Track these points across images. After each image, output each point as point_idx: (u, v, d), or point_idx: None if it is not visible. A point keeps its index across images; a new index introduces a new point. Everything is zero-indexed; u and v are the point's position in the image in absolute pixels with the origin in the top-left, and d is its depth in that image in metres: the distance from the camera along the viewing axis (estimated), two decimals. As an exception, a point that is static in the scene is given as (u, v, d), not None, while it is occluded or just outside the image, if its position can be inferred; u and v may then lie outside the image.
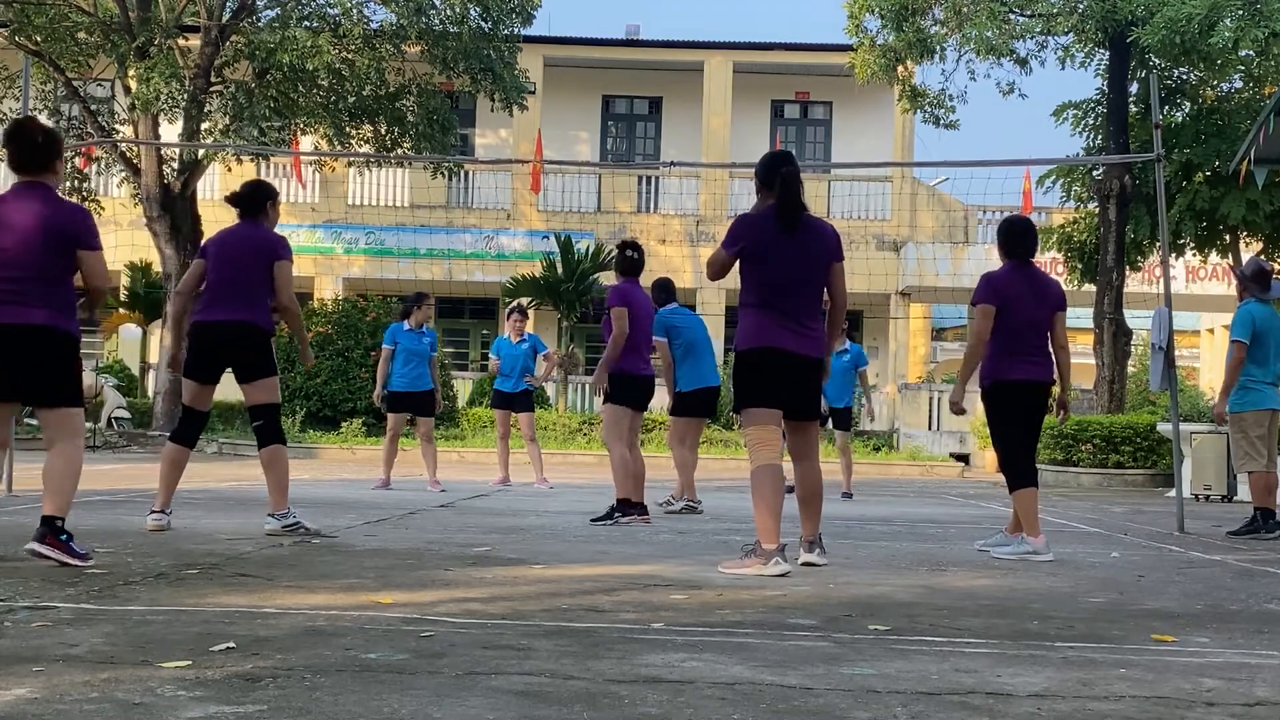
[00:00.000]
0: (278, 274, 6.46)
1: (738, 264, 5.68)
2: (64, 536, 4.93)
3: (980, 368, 6.60)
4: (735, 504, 10.07)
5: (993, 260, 25.54)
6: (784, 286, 5.53)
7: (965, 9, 17.96)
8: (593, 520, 7.98)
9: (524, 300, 23.32)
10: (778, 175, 5.61)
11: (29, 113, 11.21)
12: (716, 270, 5.71)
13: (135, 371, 24.52)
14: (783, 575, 5.20)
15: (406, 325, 11.12)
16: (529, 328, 13.46)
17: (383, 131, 21.55)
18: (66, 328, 5.04)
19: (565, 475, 14.91)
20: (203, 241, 6.81)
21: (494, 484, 11.95)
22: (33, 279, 4.96)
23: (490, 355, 12.72)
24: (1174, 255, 20.83)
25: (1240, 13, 15.75)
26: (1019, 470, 6.47)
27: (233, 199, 6.76)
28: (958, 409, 6.77)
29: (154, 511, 6.51)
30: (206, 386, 6.58)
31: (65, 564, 4.84)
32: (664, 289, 9.53)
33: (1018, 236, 6.63)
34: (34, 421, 18.72)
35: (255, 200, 6.72)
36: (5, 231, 4.97)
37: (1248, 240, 19.25)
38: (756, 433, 5.53)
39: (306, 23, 19.99)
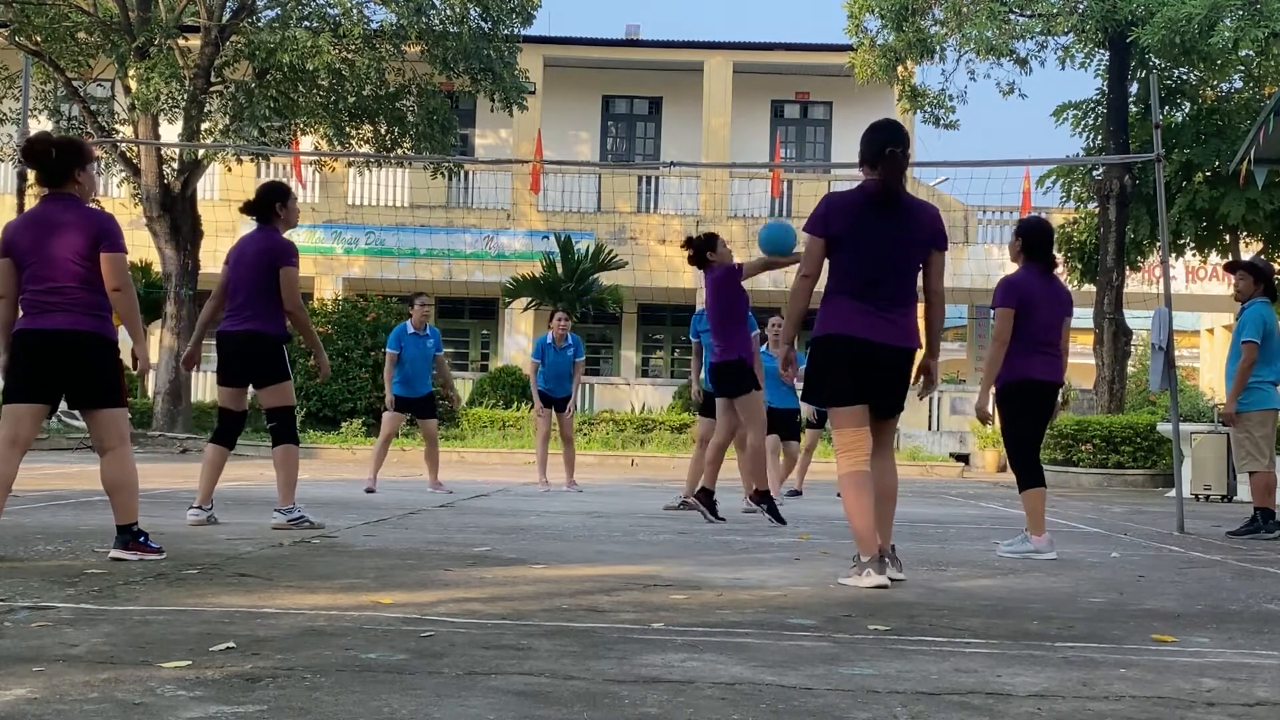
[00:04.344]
0: (281, 280, 6.72)
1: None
2: (142, 538, 5.21)
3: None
4: (736, 504, 10.06)
5: (993, 260, 25.78)
6: (872, 272, 5.05)
7: (965, 9, 17.96)
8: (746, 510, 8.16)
9: (523, 299, 23.36)
10: (883, 155, 5.05)
11: (30, 113, 11.21)
12: (814, 262, 5.13)
13: (135, 371, 24.50)
14: (878, 588, 4.84)
15: (410, 328, 10.86)
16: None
17: (383, 131, 21.55)
18: (104, 331, 5.21)
19: (565, 475, 14.88)
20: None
21: (540, 487, 11.49)
22: (70, 287, 5.12)
23: (531, 359, 11.97)
24: (1174, 255, 20.83)
25: (1240, 13, 15.77)
26: (1031, 469, 6.52)
27: (244, 207, 7.04)
28: (984, 416, 6.77)
29: (192, 507, 6.95)
30: (234, 390, 7.00)
31: (147, 560, 5.09)
32: None
33: (1045, 242, 6.67)
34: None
35: (262, 205, 6.94)
36: (41, 243, 5.16)
37: (1248, 240, 19.26)
38: (842, 437, 5.07)
39: (306, 23, 19.99)
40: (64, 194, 5.25)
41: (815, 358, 5.18)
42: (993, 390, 6.64)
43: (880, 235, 5.07)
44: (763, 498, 8.28)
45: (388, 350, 10.86)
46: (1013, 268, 6.79)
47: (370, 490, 10.37)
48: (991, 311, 6.65)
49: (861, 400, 5.09)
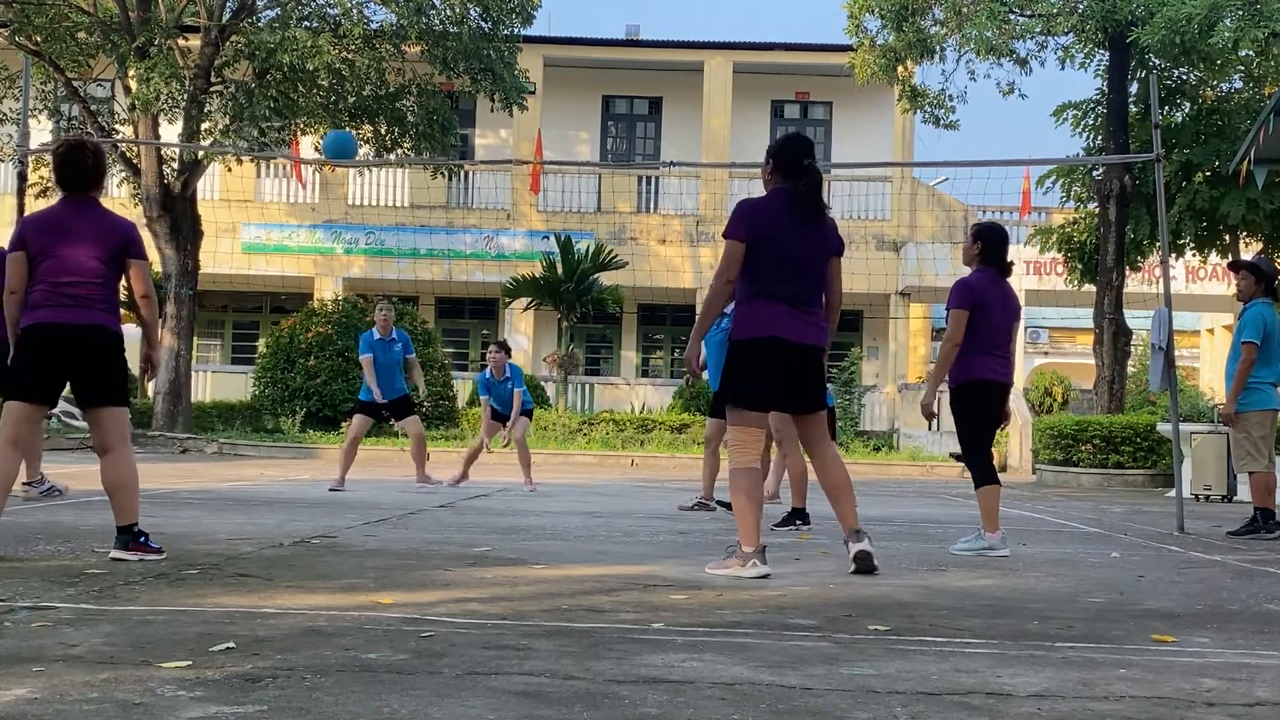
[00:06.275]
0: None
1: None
2: (142, 538, 5.21)
3: (951, 369, 6.66)
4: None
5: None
6: (793, 274, 5.25)
7: (965, 9, 17.97)
8: (775, 526, 7.74)
9: (523, 299, 23.27)
10: (801, 167, 5.32)
11: (30, 113, 11.20)
12: (736, 267, 5.23)
13: (135, 371, 24.54)
14: (761, 578, 5.03)
15: (376, 333, 10.98)
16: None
17: (383, 131, 21.55)
18: (117, 329, 5.30)
19: (565, 475, 14.92)
20: None
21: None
22: (94, 284, 5.21)
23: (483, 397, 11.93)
24: (1174, 255, 20.82)
25: (1240, 13, 15.76)
26: (987, 468, 6.58)
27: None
28: (929, 413, 6.81)
29: None
30: None
31: (147, 560, 5.09)
32: None
33: (1003, 247, 6.76)
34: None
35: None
36: (68, 243, 5.22)
37: (1248, 240, 19.25)
38: (741, 434, 5.26)
39: (306, 23, 19.99)
40: (87, 197, 5.32)
41: (740, 358, 5.31)
42: (941, 390, 6.75)
43: (799, 239, 5.28)
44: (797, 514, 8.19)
45: (362, 356, 11.07)
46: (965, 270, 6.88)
47: (335, 489, 10.29)
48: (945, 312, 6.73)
49: (783, 403, 5.39)
